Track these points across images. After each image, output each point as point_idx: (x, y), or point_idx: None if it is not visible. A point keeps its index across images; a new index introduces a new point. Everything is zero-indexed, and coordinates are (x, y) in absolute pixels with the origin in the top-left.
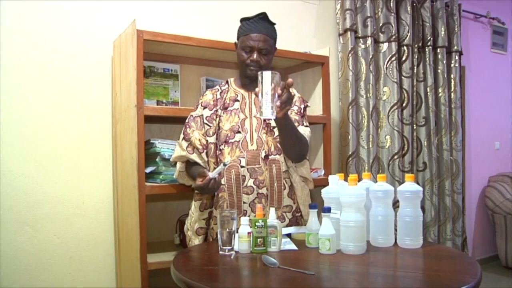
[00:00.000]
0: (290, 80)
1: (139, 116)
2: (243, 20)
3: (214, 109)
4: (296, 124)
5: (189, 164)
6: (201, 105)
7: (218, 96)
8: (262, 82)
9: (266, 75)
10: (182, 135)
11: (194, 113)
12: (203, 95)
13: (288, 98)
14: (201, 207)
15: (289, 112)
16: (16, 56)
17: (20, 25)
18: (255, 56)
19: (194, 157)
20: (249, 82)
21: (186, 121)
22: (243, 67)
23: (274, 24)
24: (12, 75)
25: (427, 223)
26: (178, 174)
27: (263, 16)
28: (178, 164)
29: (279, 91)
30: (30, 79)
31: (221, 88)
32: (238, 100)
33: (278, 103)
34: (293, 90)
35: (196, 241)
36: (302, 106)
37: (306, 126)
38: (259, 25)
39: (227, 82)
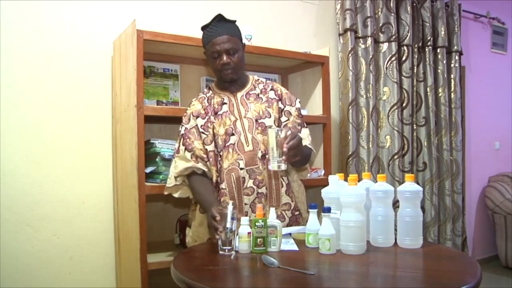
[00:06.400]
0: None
1: (139, 116)
2: (203, 28)
3: (207, 117)
4: (299, 127)
5: (193, 178)
6: (193, 115)
7: (206, 104)
8: (268, 138)
9: (271, 133)
10: (182, 147)
11: (187, 125)
12: (190, 106)
13: (294, 154)
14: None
15: (290, 117)
16: (16, 56)
17: (20, 25)
18: (224, 58)
19: (201, 166)
20: (230, 84)
21: (182, 133)
22: (218, 74)
23: (234, 21)
24: (12, 75)
25: (427, 223)
26: (172, 187)
27: (219, 18)
28: (175, 179)
29: (285, 146)
30: (30, 79)
31: (206, 96)
32: (225, 103)
33: (284, 157)
34: (279, 87)
35: None
36: (299, 106)
37: (306, 126)
38: (219, 28)
39: (209, 88)
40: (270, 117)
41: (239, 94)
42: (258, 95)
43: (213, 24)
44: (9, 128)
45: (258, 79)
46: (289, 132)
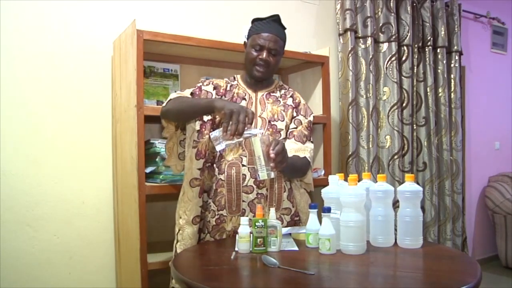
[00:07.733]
0: (275, 146)
1: (139, 116)
2: (255, 20)
3: (220, 96)
4: (304, 139)
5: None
6: (212, 84)
7: (228, 88)
8: (253, 147)
9: (255, 141)
10: (188, 90)
11: (204, 86)
12: (215, 79)
13: (281, 160)
14: (200, 194)
15: (299, 126)
16: (16, 56)
17: (20, 25)
18: (264, 54)
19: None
20: (255, 83)
21: (197, 85)
22: (250, 66)
23: (285, 28)
24: (12, 75)
25: (427, 223)
26: (171, 157)
27: (276, 18)
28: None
29: (271, 152)
30: (30, 79)
31: (231, 82)
32: (245, 99)
33: (272, 164)
34: (299, 97)
35: (189, 230)
36: (312, 119)
37: (312, 141)
38: (271, 26)
39: (234, 78)
40: (283, 120)
41: (260, 93)
42: (277, 98)
43: (268, 20)
44: (9, 128)
45: (282, 85)
46: (271, 139)
